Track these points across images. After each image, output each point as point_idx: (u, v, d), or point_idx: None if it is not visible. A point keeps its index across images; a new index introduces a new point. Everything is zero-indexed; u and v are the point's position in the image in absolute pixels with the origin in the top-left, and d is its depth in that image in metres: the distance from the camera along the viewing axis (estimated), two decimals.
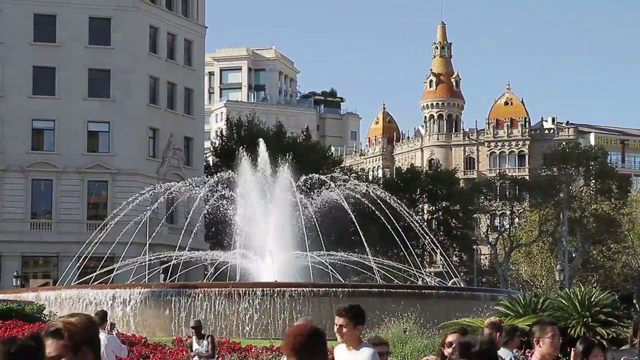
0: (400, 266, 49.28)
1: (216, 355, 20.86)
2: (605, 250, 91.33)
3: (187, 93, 76.79)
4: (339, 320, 8.51)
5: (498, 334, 11.82)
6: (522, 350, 18.93)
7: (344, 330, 8.49)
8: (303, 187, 45.47)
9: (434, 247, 64.30)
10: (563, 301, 20.70)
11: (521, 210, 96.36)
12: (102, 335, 17.54)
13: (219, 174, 48.48)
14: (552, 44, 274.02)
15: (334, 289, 34.89)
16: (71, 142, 69.53)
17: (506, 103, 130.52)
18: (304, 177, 45.82)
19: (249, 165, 46.91)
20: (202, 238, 71.55)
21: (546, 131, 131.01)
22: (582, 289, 21.53)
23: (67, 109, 69.38)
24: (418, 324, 27.01)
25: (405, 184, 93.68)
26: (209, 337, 20.51)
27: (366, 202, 47.84)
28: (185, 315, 34.19)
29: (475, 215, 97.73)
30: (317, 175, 46.93)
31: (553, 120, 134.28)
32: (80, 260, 49.29)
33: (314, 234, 42.45)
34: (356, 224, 44.32)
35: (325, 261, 42.22)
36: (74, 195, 69.58)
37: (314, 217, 42.97)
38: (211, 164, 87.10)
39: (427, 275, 59.23)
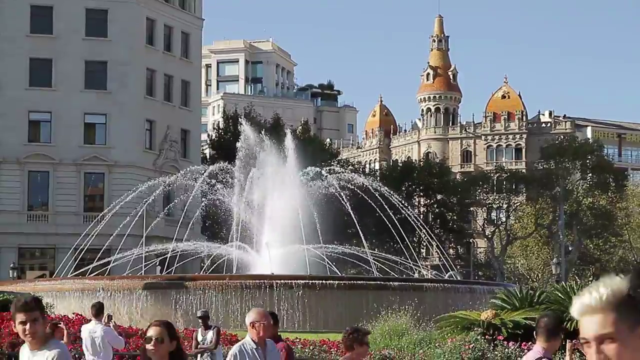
0: (396, 259, 49.35)
1: (220, 347, 20.67)
2: (602, 244, 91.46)
3: (184, 85, 76.72)
4: (23, 317, 6.97)
5: None
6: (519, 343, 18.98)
7: (29, 326, 6.93)
8: (301, 180, 45.48)
9: (431, 240, 64.36)
10: (559, 294, 20.72)
11: (518, 204, 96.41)
12: (99, 327, 17.61)
13: (217, 164, 48.47)
14: (550, 37, 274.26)
15: (330, 282, 34.94)
16: (68, 134, 69.47)
17: (503, 96, 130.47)
18: (305, 170, 45.77)
19: (248, 155, 46.96)
20: (198, 230, 71.56)
21: (543, 125, 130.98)
22: (579, 283, 21.57)
23: (64, 101, 69.30)
24: (415, 316, 27.04)
25: (401, 177, 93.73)
26: (215, 329, 20.33)
27: (362, 194, 47.87)
28: (181, 308, 34.23)
29: (471, 209, 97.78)
30: (319, 169, 46.87)
31: (550, 113, 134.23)
32: (77, 252, 49.29)
33: (312, 227, 42.47)
34: (353, 216, 44.34)
35: (322, 254, 42.26)
36: (70, 187, 69.54)
37: (313, 210, 42.98)
38: (208, 157, 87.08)
39: (423, 268, 59.29)
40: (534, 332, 8.96)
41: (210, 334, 19.91)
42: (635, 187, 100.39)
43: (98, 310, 17.89)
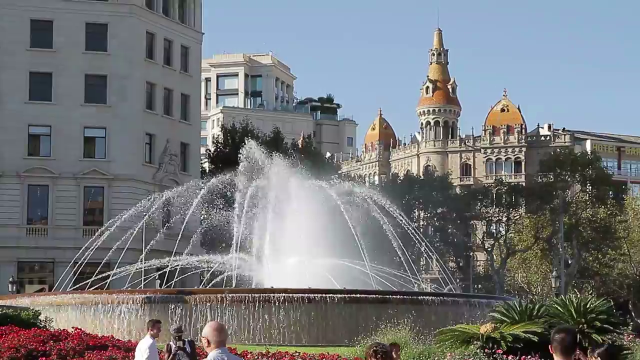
0: (396, 272, 49.28)
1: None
2: (601, 257, 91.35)
3: (183, 99, 76.82)
4: None
5: None
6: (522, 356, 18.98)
7: None
8: (303, 192, 45.43)
9: (430, 254, 64.35)
10: (559, 308, 20.70)
11: (517, 217, 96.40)
12: (147, 337, 19.34)
13: (218, 176, 48.45)
14: (549, 50, 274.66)
15: (330, 295, 34.88)
16: (67, 148, 69.52)
17: (502, 110, 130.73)
18: (308, 182, 45.71)
19: (248, 168, 46.93)
20: (197, 244, 71.48)
21: (542, 138, 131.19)
22: (578, 296, 21.56)
23: (64, 115, 69.40)
24: (414, 330, 27.02)
25: (401, 190, 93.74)
26: (189, 342, 20.78)
27: (365, 205, 47.79)
28: (180, 322, 34.16)
29: (471, 222, 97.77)
30: (320, 182, 46.83)
31: (549, 126, 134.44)
32: (76, 266, 49.29)
33: (313, 239, 42.43)
34: (352, 230, 44.26)
35: (323, 267, 42.17)
36: (70, 201, 69.54)
37: (314, 222, 42.92)
38: (207, 170, 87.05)
39: (423, 281, 59.29)
40: (550, 347, 8.53)
41: (187, 347, 20.50)
42: (634, 200, 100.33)
43: (152, 325, 19.69)
